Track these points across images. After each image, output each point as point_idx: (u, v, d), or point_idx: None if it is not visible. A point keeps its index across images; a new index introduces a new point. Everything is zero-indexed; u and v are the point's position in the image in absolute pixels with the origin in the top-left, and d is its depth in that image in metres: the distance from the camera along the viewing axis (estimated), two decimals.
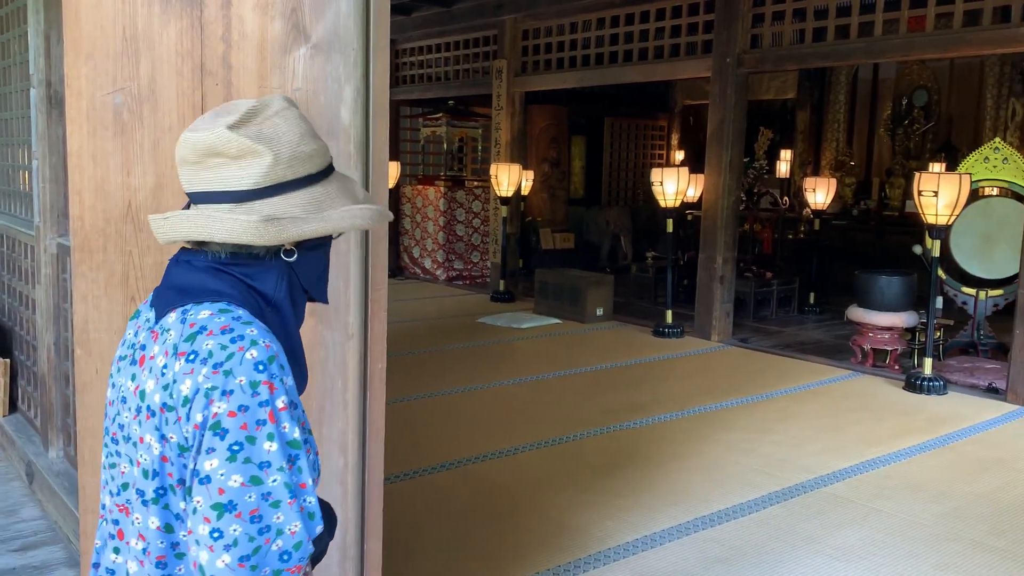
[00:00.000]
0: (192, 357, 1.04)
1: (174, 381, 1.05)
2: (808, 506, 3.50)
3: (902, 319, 5.99)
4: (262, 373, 1.03)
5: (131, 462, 1.11)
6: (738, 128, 6.64)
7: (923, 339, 6.24)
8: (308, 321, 1.93)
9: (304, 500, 1.06)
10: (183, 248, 1.16)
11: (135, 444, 1.10)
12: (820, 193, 8.28)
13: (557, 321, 7.32)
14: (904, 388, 5.40)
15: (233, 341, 1.05)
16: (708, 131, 6.70)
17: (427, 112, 10.28)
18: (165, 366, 1.07)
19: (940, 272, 6.06)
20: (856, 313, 6.14)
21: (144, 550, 1.10)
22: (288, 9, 1.87)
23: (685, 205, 7.52)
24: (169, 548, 1.09)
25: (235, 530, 1.01)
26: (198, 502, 1.02)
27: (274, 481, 1.03)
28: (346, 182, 1.20)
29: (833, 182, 8.63)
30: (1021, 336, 5.06)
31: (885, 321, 5.97)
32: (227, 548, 1.01)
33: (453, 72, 9.47)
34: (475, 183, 9.98)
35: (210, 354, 1.04)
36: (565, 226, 11.23)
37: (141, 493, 1.09)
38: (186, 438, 1.04)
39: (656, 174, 6.65)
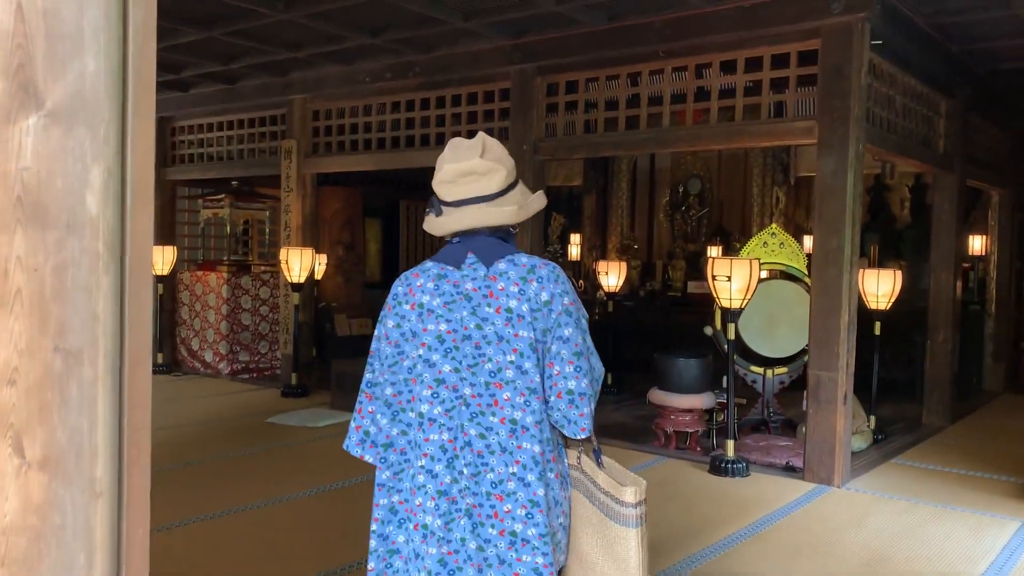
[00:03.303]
0: (540, 280, 1.84)
1: (536, 295, 1.82)
2: None
3: (701, 400, 6.08)
4: (569, 282, 1.89)
5: (504, 353, 1.80)
6: (537, 213, 6.60)
7: (720, 419, 6.38)
8: (36, 476, 1.43)
9: (596, 352, 1.95)
10: (455, 241, 1.93)
11: (508, 341, 1.80)
12: (612, 276, 8.47)
13: None
14: (709, 471, 5.42)
15: (553, 268, 1.88)
16: None
17: (208, 193, 9.57)
18: (521, 289, 1.82)
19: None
20: (657, 396, 6.17)
21: (526, 401, 1.80)
22: (13, 64, 1.42)
23: None
24: (541, 392, 1.82)
25: (584, 366, 1.84)
26: (562, 354, 1.83)
27: (589, 340, 1.91)
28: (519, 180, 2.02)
29: (623, 265, 8.87)
30: (814, 415, 5.24)
31: (685, 403, 6.04)
32: (584, 375, 1.84)
33: (237, 152, 8.91)
34: (262, 268, 9.34)
35: (548, 276, 1.85)
36: (362, 311, 10.77)
37: (520, 367, 1.80)
38: (548, 323, 1.82)
39: None
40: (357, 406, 1.95)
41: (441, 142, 7.15)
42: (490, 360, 1.81)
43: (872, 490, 5.09)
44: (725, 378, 6.66)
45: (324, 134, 8.08)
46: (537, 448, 1.80)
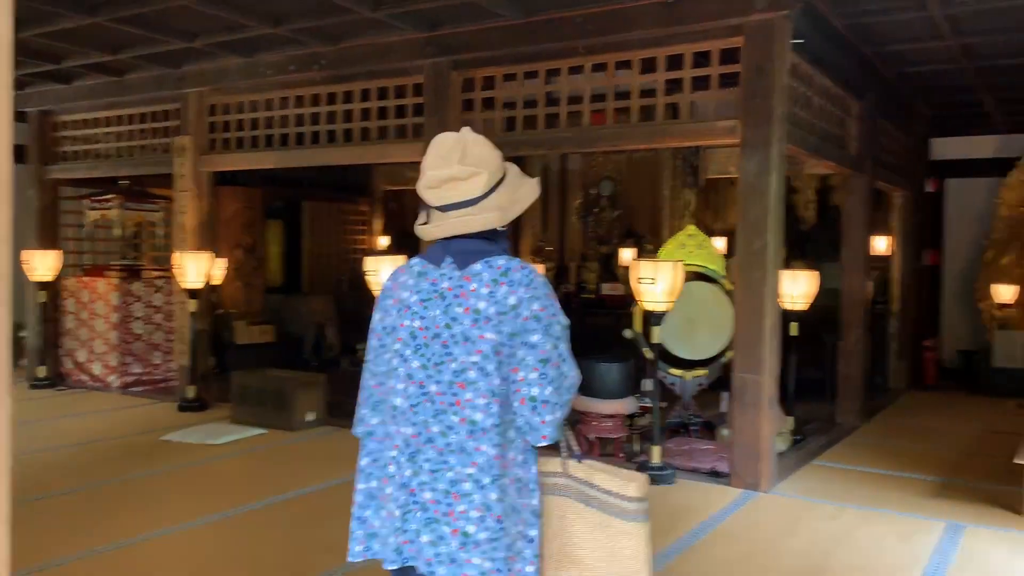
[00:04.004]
0: (511, 284, 1.86)
1: (503, 298, 1.85)
2: None
3: (624, 406, 5.93)
4: (548, 287, 1.93)
5: (468, 353, 1.84)
6: None
7: (641, 423, 6.25)
8: None
9: (572, 359, 1.93)
10: (440, 240, 1.97)
11: (473, 342, 1.84)
12: None
13: (261, 431, 6.39)
14: None
15: (529, 272, 1.90)
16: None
17: (95, 193, 8.90)
18: (491, 292, 1.85)
19: (650, 355, 6.15)
20: (580, 402, 5.98)
21: (487, 404, 1.83)
22: None
23: None
24: (504, 396, 1.85)
25: (551, 373, 1.85)
26: (527, 360, 1.84)
27: (563, 347, 1.90)
28: (510, 167, 2.01)
29: (541, 268, 8.69)
30: (739, 419, 5.14)
31: (608, 409, 5.87)
32: (550, 383, 1.85)
33: (127, 149, 8.29)
34: (155, 273, 8.74)
35: (520, 281, 1.87)
36: (263, 317, 10.25)
37: (482, 368, 1.83)
38: (515, 328, 1.85)
39: (371, 263, 6.11)
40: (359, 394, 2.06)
41: (350, 139, 6.81)
42: (455, 360, 1.86)
43: (798, 494, 5.03)
44: (645, 382, 6.56)
45: (222, 130, 7.59)
46: (494, 452, 1.83)
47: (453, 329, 1.87)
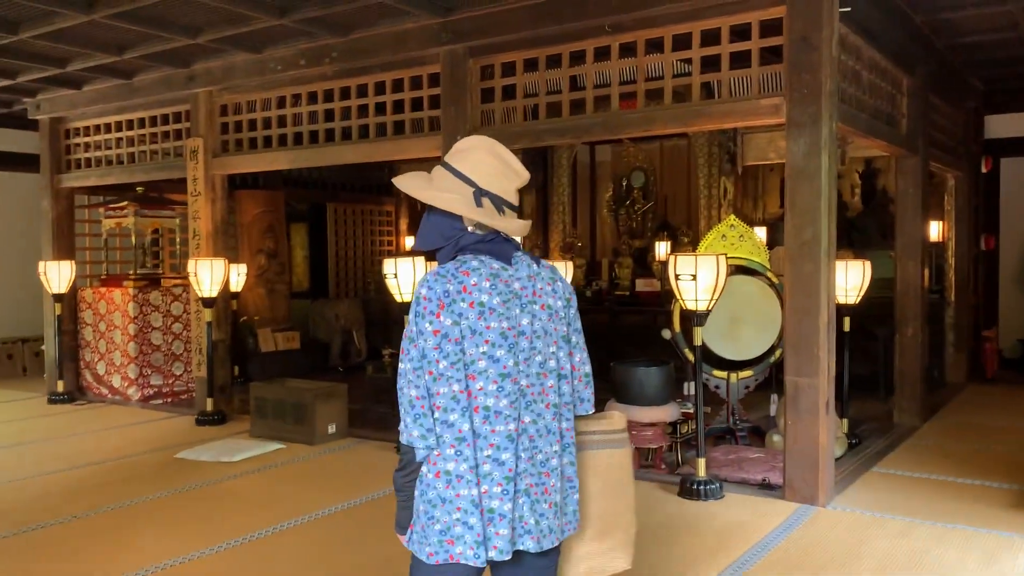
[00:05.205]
0: (561, 280, 2.13)
1: (563, 292, 2.12)
2: None
3: (666, 413, 5.49)
4: None
5: (547, 345, 2.06)
6: None
7: (684, 431, 5.81)
8: None
9: None
10: (501, 237, 2.07)
11: (550, 334, 2.07)
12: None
13: (280, 446, 6.05)
14: (680, 495, 4.83)
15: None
16: None
17: (110, 201, 8.65)
18: (554, 288, 2.09)
19: (691, 356, 5.71)
20: (616, 410, 5.55)
21: (560, 386, 2.08)
22: None
23: None
24: (568, 376, 2.12)
25: (587, 350, 2.20)
26: (580, 343, 2.16)
27: None
28: None
29: (569, 264, 8.24)
30: (793, 427, 4.68)
31: (649, 417, 5.44)
32: (589, 360, 2.20)
33: (139, 154, 8.02)
34: (174, 281, 8.47)
35: (563, 277, 2.15)
36: (288, 324, 9.96)
37: (556, 356, 2.08)
38: (570, 317, 2.13)
39: (389, 265, 5.75)
40: (417, 403, 1.98)
41: (365, 135, 6.46)
42: (539, 352, 2.05)
43: (861, 508, 4.56)
44: (687, 386, 6.11)
45: (234, 130, 7.27)
46: (570, 426, 2.11)
47: (534, 325, 2.04)
